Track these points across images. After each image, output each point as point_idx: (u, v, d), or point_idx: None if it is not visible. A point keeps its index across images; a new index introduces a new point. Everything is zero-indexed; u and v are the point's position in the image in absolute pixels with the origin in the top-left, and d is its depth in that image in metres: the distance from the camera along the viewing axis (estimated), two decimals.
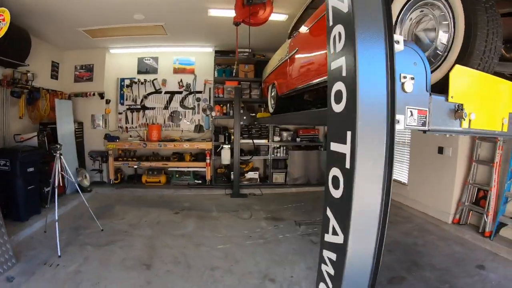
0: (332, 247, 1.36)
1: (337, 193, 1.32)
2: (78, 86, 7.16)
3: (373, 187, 1.25)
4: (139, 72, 7.53)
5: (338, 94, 1.32)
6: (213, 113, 7.03)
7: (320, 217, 2.06)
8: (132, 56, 7.47)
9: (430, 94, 1.44)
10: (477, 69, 1.56)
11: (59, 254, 3.69)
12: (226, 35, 6.05)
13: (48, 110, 6.21)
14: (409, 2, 1.91)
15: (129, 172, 7.56)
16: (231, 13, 4.55)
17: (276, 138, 7.54)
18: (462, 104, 1.47)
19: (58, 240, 3.76)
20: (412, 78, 1.38)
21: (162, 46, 7.03)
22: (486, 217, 4.48)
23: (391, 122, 1.22)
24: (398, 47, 1.31)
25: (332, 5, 1.35)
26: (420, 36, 1.91)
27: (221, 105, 7.28)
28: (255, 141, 7.38)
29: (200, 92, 7.51)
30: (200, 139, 7.46)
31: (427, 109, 1.42)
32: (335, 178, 1.33)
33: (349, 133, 1.24)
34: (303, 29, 3.51)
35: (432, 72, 1.57)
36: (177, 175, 7.37)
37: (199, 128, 7.47)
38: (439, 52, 1.73)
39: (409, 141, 6.32)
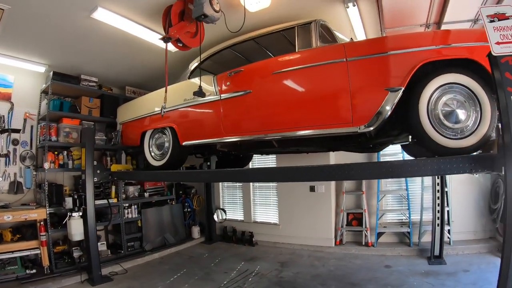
0: None
1: None
2: None
3: None
4: None
5: None
6: (46, 165, 4.99)
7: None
8: None
9: None
10: None
11: None
12: (78, 52, 4.89)
13: None
14: None
15: None
16: (123, 22, 3.98)
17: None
18: None
19: None
20: None
21: None
22: (366, 232, 6.10)
23: None
24: None
25: None
26: None
27: (56, 153, 5.29)
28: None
29: (18, 130, 5.18)
30: (18, 203, 5.03)
31: None
32: None
33: None
34: (269, 69, 3.42)
35: None
36: None
37: (16, 187, 5.04)
38: None
39: (274, 185, 7.01)
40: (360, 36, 4.52)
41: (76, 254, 5.17)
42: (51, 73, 5.21)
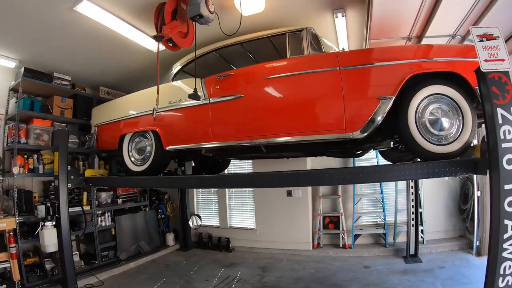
0: None
1: None
2: None
3: None
4: None
5: None
6: (15, 169, 4.75)
7: None
8: None
9: None
10: None
11: None
12: (54, 47, 4.66)
13: None
14: None
15: None
16: (108, 18, 3.88)
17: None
18: None
19: None
20: None
21: None
22: (343, 234, 6.40)
23: None
24: None
25: None
26: None
27: (26, 156, 5.03)
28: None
29: None
30: None
31: None
32: None
33: None
34: (264, 74, 3.50)
35: None
36: None
37: None
38: None
39: (250, 190, 7.12)
40: (343, 44, 4.76)
41: (48, 266, 4.94)
42: (22, 69, 4.95)
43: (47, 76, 5.32)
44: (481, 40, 2.28)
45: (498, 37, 2.28)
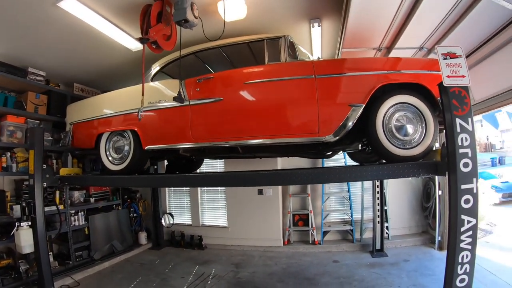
0: None
1: None
2: None
3: None
4: None
5: None
6: None
7: None
8: None
9: None
10: None
11: None
12: (30, 41, 4.47)
13: None
14: None
15: None
16: (90, 16, 3.83)
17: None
18: None
19: None
20: None
21: None
22: (313, 231, 6.59)
23: None
24: None
25: None
26: None
27: None
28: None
29: None
30: None
31: None
32: None
33: None
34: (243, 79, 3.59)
35: None
36: None
37: None
38: None
39: (222, 189, 7.28)
40: (317, 52, 4.92)
41: (23, 267, 4.78)
42: None
43: (22, 71, 5.09)
44: (445, 58, 2.52)
45: (461, 55, 2.52)
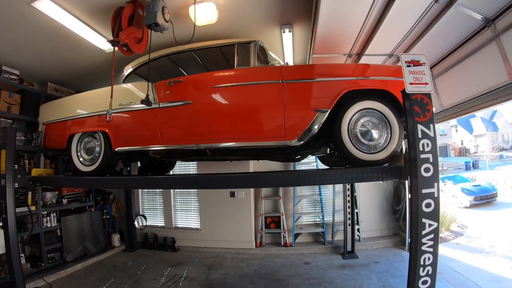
0: None
1: None
2: None
3: None
4: None
5: None
6: None
7: None
8: None
9: None
10: None
11: None
12: (4, 39, 4.29)
13: None
14: None
15: None
16: (64, 16, 3.70)
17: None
18: None
19: None
20: None
21: None
22: (285, 233, 6.48)
23: None
24: None
25: None
26: None
27: None
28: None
29: None
30: None
31: None
32: None
33: None
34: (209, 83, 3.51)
35: None
36: None
37: None
38: None
39: (195, 191, 7.15)
40: (288, 57, 4.84)
41: None
42: None
43: None
44: (408, 66, 2.47)
45: (424, 63, 2.48)
